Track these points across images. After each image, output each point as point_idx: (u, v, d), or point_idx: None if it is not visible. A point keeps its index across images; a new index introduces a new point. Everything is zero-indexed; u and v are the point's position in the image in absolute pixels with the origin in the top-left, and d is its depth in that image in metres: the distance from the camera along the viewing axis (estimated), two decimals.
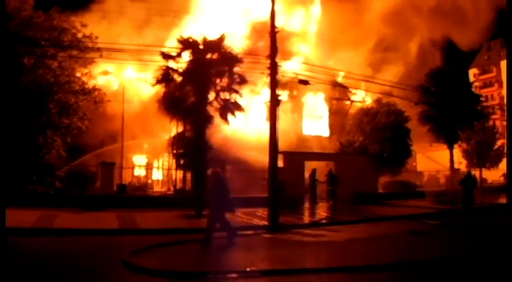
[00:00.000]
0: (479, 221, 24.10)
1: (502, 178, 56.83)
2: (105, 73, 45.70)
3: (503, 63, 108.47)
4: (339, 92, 45.70)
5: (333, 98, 45.82)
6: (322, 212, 28.08)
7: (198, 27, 41.55)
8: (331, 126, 47.38)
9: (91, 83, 34.89)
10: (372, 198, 33.48)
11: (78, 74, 33.24)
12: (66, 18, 32.44)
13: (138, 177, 48.31)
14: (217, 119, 25.81)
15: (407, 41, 50.93)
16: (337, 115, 47.16)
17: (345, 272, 11.70)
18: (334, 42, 46.78)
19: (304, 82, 25.17)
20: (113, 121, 41.96)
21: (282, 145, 33.13)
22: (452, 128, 34.63)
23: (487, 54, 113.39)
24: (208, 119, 24.89)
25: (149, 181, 46.83)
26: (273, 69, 22.12)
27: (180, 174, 35.08)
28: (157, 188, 43.94)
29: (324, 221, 23.64)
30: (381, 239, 18.03)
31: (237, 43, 33.50)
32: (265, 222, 21.33)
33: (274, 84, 21.93)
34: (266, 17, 23.32)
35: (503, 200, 34.57)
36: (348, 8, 46.04)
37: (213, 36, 25.49)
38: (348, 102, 47.47)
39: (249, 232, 19.50)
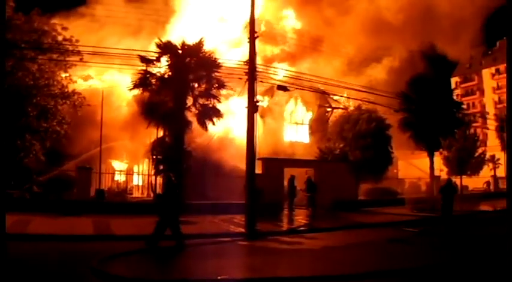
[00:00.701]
0: (458, 228, 24.04)
1: (484, 185, 57.20)
2: (87, 78, 45.23)
3: (485, 72, 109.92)
4: (320, 98, 45.55)
5: (316, 105, 45.70)
6: (300, 219, 27.86)
7: (183, 31, 41.27)
8: (312, 132, 47.18)
9: (71, 87, 34.40)
10: (352, 206, 33.32)
11: (58, 78, 32.77)
12: (47, 20, 31.92)
13: (118, 183, 47.78)
14: (196, 124, 25.58)
15: (390, 48, 50.80)
16: (318, 122, 47.05)
17: (317, 281, 11.51)
18: (316, 49, 46.62)
19: (283, 88, 25.03)
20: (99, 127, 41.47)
21: (262, 151, 33.12)
22: (432, 135, 34.67)
23: (468, 63, 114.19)
24: (186, 125, 24.65)
25: (129, 187, 46.32)
26: (252, 74, 21.97)
27: (159, 180, 34.74)
28: (137, 194, 43.54)
29: (301, 229, 23.44)
30: (358, 247, 17.81)
31: (218, 48, 33.45)
32: (243, 229, 21.12)
33: (253, 89, 21.77)
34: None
35: (483, 207, 34.78)
36: (328, 15, 45.87)
37: (193, 41, 25.24)
38: (329, 109, 47.49)
39: (225, 239, 19.30)
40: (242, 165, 23.21)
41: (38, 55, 30.20)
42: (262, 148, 34.01)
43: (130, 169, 52.15)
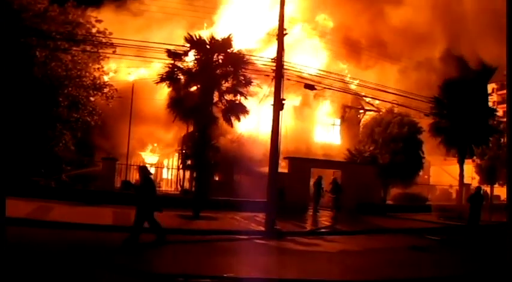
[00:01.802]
0: (483, 239, 23.33)
1: None
2: (115, 70, 45.51)
3: None
4: (352, 100, 45.07)
5: (346, 106, 45.15)
6: (322, 220, 27.64)
7: (217, 28, 41.25)
8: (343, 134, 46.68)
9: (104, 79, 34.70)
10: (377, 209, 32.80)
11: (90, 69, 33.01)
12: (82, 13, 32.29)
13: None
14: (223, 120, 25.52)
15: (427, 50, 49.97)
16: (350, 123, 46.55)
17: None
18: (349, 50, 46.09)
19: (310, 87, 24.77)
20: (136, 120, 41.59)
21: (291, 151, 32.89)
22: (463, 141, 34.00)
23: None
24: (213, 120, 24.51)
25: (158, 180, 46.50)
26: (278, 72, 21.80)
27: (188, 174, 34.77)
28: (166, 187, 43.64)
29: (322, 230, 23.20)
30: (375, 253, 17.47)
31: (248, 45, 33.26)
32: (262, 228, 20.99)
33: (279, 87, 21.59)
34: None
35: None
36: (364, 17, 45.31)
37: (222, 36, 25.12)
38: (361, 111, 47.01)
39: (243, 237, 19.25)
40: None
41: (72, 46, 30.47)
42: (291, 147, 33.81)
43: (161, 163, 52.43)
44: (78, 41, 30.68)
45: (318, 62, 42.76)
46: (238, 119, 25.14)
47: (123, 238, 14.62)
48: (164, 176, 49.62)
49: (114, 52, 32.44)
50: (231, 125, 25.62)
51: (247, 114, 25.13)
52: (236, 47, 24.90)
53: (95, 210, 22.09)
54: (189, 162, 27.17)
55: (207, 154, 25.31)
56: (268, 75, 23.18)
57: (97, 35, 32.10)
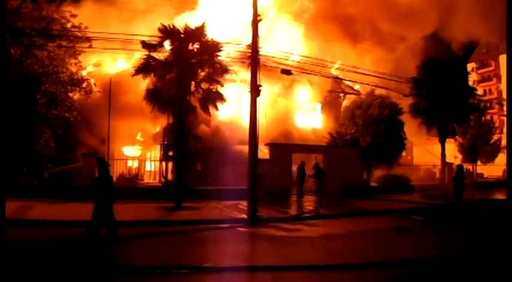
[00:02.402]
0: (467, 217, 23.35)
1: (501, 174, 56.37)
2: (98, 64, 45.04)
3: (502, 57, 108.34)
4: (333, 84, 45.01)
5: (326, 90, 45.15)
6: (305, 205, 27.60)
7: (200, 16, 40.94)
8: (324, 118, 46.67)
9: (83, 74, 34.37)
10: (361, 192, 32.70)
11: (67, 65, 32.64)
12: (56, 8, 31.89)
13: (130, 169, 47.72)
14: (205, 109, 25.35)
15: (405, 32, 49.94)
16: (330, 107, 46.56)
17: (303, 270, 11.14)
18: (328, 35, 45.90)
19: (287, 72, 24.58)
20: (116, 114, 41.22)
21: (272, 137, 32.77)
22: (443, 120, 33.99)
23: (485, 48, 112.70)
24: (190, 109, 24.33)
25: (141, 173, 46.22)
26: (254, 58, 21.64)
27: (170, 165, 34.58)
28: (149, 180, 43.39)
29: (305, 215, 23.02)
30: (358, 235, 17.41)
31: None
32: (245, 216, 20.91)
33: (255, 73, 21.44)
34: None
35: (496, 196, 34.13)
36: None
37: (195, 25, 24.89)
38: (341, 94, 47.04)
39: (225, 225, 19.13)
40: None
41: (47, 43, 30.15)
42: (273, 134, 33.71)
43: (144, 155, 52.11)
44: (53, 36, 30.33)
45: (298, 47, 42.66)
46: (216, 108, 25.00)
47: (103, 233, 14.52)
48: (147, 168, 49.30)
49: (90, 46, 32.11)
50: (209, 113, 25.51)
51: (225, 102, 25.01)
52: (223, 34, 24.73)
53: (76, 207, 21.85)
54: (170, 153, 26.99)
55: (187, 144, 25.17)
56: (244, 62, 22.97)
57: (72, 29, 31.71)
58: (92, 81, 34.59)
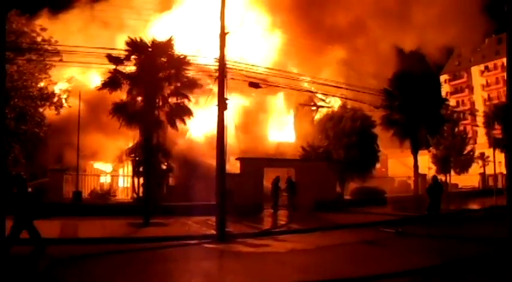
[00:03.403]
0: (440, 229, 23.02)
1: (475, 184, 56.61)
2: (70, 80, 44.54)
3: (474, 69, 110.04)
4: (305, 97, 44.90)
5: (298, 104, 45.07)
6: (277, 220, 27.33)
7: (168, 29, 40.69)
8: (297, 132, 46.62)
9: (54, 89, 33.84)
10: (334, 206, 32.44)
11: (37, 79, 32.12)
12: (26, 21, 31.38)
13: (102, 185, 47.16)
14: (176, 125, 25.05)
15: (378, 45, 50.11)
16: (303, 121, 46.49)
17: None
18: (299, 50, 45.83)
19: (255, 85, 24.32)
20: (92, 128, 40.72)
21: (245, 151, 32.48)
22: (415, 132, 33.94)
23: (457, 60, 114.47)
24: (158, 125, 23.98)
25: (113, 189, 45.68)
26: (222, 71, 21.41)
27: (142, 181, 34.18)
28: (122, 196, 42.89)
29: (275, 230, 22.71)
30: (326, 250, 17.09)
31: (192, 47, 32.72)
32: (214, 231, 20.47)
33: (223, 87, 21.19)
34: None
35: (470, 206, 34.17)
36: (311, 15, 45.14)
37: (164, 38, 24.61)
38: (313, 108, 46.96)
39: (192, 242, 18.76)
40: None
41: (17, 56, 29.59)
42: (245, 148, 33.42)
43: (116, 171, 51.58)
44: (23, 50, 29.80)
45: (271, 60, 42.54)
46: (184, 122, 24.70)
47: (69, 251, 14.13)
48: (120, 184, 48.77)
49: (60, 60, 31.60)
50: (176, 128, 25.13)
51: (192, 116, 24.75)
52: (192, 47, 24.47)
53: (43, 224, 21.27)
54: (141, 168, 26.60)
55: (156, 159, 24.84)
56: (211, 76, 22.74)
57: (42, 43, 31.24)
58: (65, 96, 34.02)
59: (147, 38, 24.90)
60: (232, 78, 22.97)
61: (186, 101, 24.29)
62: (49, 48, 30.99)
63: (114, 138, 41.57)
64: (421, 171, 39.79)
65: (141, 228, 21.43)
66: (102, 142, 43.76)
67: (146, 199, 24.10)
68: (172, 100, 24.15)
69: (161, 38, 24.91)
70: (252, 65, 28.17)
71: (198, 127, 32.32)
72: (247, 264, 14.21)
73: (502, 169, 47.44)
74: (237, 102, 36.70)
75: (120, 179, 48.82)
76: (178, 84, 24.01)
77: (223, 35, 21.72)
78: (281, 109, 45.44)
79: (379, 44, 47.01)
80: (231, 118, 23.36)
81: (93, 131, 40.09)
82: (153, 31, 36.50)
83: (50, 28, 32.65)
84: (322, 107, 45.54)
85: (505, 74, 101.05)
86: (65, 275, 11.95)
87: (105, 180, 48.26)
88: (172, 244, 17.94)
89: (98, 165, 50.82)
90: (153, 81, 23.60)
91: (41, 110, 31.80)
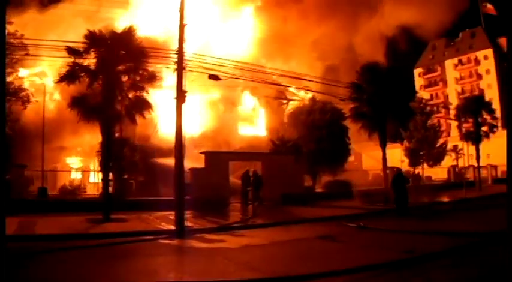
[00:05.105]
0: (405, 222, 22.75)
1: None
2: (39, 74, 43.97)
3: (448, 63, 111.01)
4: (276, 91, 44.59)
5: (268, 97, 44.77)
6: (240, 215, 26.91)
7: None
8: (267, 125, 46.34)
9: (24, 84, 33.22)
10: (302, 199, 32.13)
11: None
12: None
13: (72, 181, 46.61)
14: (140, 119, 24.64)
15: (350, 38, 50.06)
16: (273, 114, 46.25)
17: None
18: (270, 43, 45.60)
19: (214, 77, 23.93)
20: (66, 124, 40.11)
21: (213, 145, 32.18)
22: (383, 125, 33.68)
23: (431, 54, 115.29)
24: (117, 118, 23.55)
25: (82, 185, 45.17)
26: (180, 63, 21.06)
27: (111, 176, 33.75)
28: (92, 191, 42.42)
29: (235, 225, 22.30)
30: (280, 245, 16.77)
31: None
32: (173, 227, 20.16)
33: (181, 79, 20.85)
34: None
35: (440, 199, 34.12)
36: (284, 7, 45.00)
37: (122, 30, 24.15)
38: (284, 101, 46.72)
39: (149, 237, 18.46)
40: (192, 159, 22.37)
41: None
42: (214, 143, 33.14)
43: (87, 166, 51.09)
44: None
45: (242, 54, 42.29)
46: (143, 116, 24.21)
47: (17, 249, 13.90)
48: (91, 180, 48.33)
49: (27, 54, 30.97)
50: (135, 122, 24.66)
51: (152, 110, 24.26)
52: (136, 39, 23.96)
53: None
54: (110, 164, 26.18)
55: (121, 154, 24.49)
56: (168, 67, 22.32)
57: (7, 36, 30.51)
58: (32, 90, 33.42)
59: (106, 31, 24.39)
60: (191, 71, 22.59)
61: (145, 94, 23.81)
62: (14, 42, 30.31)
63: (86, 133, 41.12)
64: (393, 164, 39.70)
65: (100, 224, 21.01)
66: (74, 137, 43.31)
67: (106, 194, 23.65)
68: (132, 93, 23.64)
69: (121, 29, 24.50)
70: (213, 57, 27.76)
71: (167, 121, 31.89)
72: (195, 261, 13.95)
73: (474, 162, 47.71)
74: (207, 96, 36.40)
75: (91, 175, 48.40)
76: (138, 78, 23.50)
77: (182, 26, 21.43)
78: (251, 103, 45.12)
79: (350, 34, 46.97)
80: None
81: (66, 126, 39.51)
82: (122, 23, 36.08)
83: (18, 22, 32.05)
84: (292, 100, 45.27)
85: (478, 67, 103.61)
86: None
87: (76, 176, 47.83)
88: (127, 240, 17.54)
89: (71, 160, 50.34)
90: (112, 74, 23.11)
91: (7, 105, 31.20)
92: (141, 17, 42.74)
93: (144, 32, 26.08)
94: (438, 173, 56.83)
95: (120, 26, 28.53)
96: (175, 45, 21.80)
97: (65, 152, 47.66)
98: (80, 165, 50.29)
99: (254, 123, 46.51)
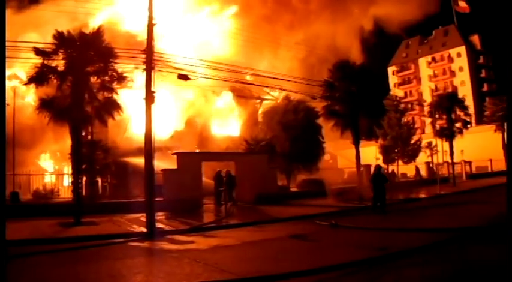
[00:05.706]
0: (379, 220, 22.90)
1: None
2: (11, 77, 43.27)
3: (421, 61, 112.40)
4: (249, 90, 44.44)
5: (240, 96, 44.65)
6: (213, 215, 26.75)
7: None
8: (242, 125, 46.20)
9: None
10: (277, 198, 32.16)
11: None
12: None
13: (45, 184, 46.02)
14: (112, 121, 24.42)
15: (327, 35, 50.15)
16: (247, 114, 46.13)
17: None
18: (246, 43, 45.40)
19: (184, 77, 23.70)
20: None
21: (187, 146, 31.94)
22: (356, 123, 33.71)
23: (405, 52, 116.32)
24: (85, 120, 23.26)
25: (58, 187, 44.63)
26: (149, 63, 20.87)
27: (84, 179, 33.35)
28: (66, 195, 41.91)
29: (207, 226, 22.15)
30: (251, 246, 16.65)
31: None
32: (145, 229, 19.95)
33: (150, 79, 20.66)
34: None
35: (415, 196, 34.31)
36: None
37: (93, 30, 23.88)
38: (258, 101, 46.67)
39: (118, 240, 18.17)
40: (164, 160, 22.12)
41: None
42: (187, 143, 32.89)
43: (61, 170, 50.47)
44: None
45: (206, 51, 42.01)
46: (112, 117, 23.94)
47: None
48: (65, 183, 47.73)
49: None
50: (105, 123, 24.43)
51: (122, 111, 24.00)
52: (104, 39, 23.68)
53: None
54: (83, 166, 25.90)
55: (93, 157, 24.24)
56: (137, 68, 22.06)
57: None
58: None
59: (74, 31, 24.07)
60: (160, 70, 22.34)
61: (115, 95, 23.55)
62: None
63: (60, 136, 40.67)
64: (368, 162, 39.77)
65: (70, 228, 20.75)
66: (51, 141, 42.85)
67: (77, 198, 23.35)
68: (101, 95, 23.36)
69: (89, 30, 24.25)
70: (184, 57, 27.55)
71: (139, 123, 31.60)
72: (162, 263, 13.77)
73: (447, 158, 48.06)
74: (180, 96, 36.14)
75: (65, 178, 47.80)
76: (107, 78, 23.21)
77: (151, 25, 21.28)
78: (226, 103, 44.96)
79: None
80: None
81: (40, 129, 39.02)
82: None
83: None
84: (267, 99, 45.24)
85: (451, 65, 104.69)
86: None
87: (50, 179, 47.18)
88: (96, 243, 17.29)
89: (46, 163, 49.75)
90: (81, 75, 22.81)
91: None
92: (125, 13, 42.28)
93: (127, 27, 25.51)
94: (413, 170, 57.06)
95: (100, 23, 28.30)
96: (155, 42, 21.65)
97: (39, 155, 47.05)
98: (55, 168, 49.69)
99: (228, 123, 46.26)
